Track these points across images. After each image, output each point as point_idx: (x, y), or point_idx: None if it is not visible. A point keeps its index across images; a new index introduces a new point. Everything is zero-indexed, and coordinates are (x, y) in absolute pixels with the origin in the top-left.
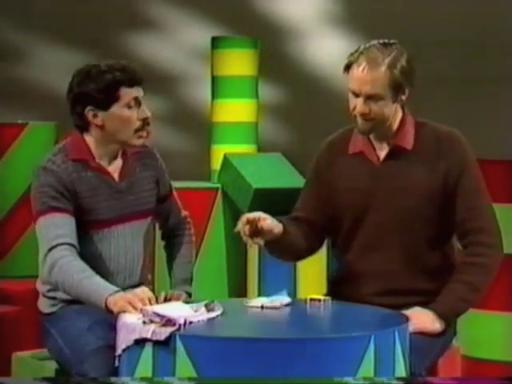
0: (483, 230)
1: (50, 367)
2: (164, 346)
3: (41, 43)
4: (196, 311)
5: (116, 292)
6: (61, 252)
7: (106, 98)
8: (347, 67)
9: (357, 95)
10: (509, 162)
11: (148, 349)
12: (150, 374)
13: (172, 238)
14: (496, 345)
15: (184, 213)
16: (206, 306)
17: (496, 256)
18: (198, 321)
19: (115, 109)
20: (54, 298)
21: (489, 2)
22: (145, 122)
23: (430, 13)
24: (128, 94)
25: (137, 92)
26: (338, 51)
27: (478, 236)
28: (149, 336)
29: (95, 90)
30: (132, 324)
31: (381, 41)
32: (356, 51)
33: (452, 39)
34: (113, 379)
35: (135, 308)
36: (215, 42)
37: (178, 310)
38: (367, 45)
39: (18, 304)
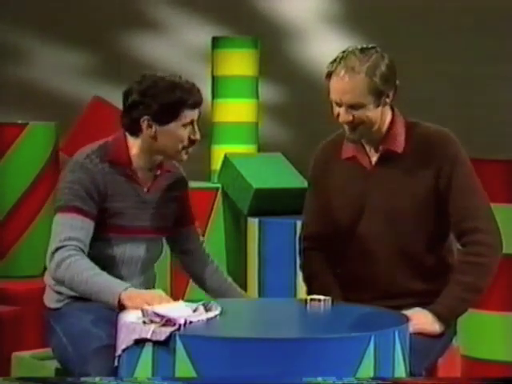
0: (480, 229)
1: (50, 367)
2: (164, 346)
3: (41, 43)
4: (195, 311)
5: (128, 288)
6: (69, 251)
7: (167, 115)
8: (327, 76)
9: (339, 104)
10: (509, 162)
11: (148, 349)
12: (149, 374)
13: (201, 267)
14: (496, 345)
15: (202, 238)
16: (204, 305)
17: (494, 255)
18: (198, 321)
19: (172, 126)
20: (60, 293)
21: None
22: (194, 142)
23: (430, 12)
24: (189, 115)
25: (195, 114)
26: (337, 51)
27: (476, 235)
28: (148, 336)
29: (158, 104)
30: (132, 324)
31: (359, 46)
32: (335, 60)
33: (452, 38)
34: (83, 379)
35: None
36: (215, 42)
37: (177, 311)
38: (346, 51)
39: (18, 304)
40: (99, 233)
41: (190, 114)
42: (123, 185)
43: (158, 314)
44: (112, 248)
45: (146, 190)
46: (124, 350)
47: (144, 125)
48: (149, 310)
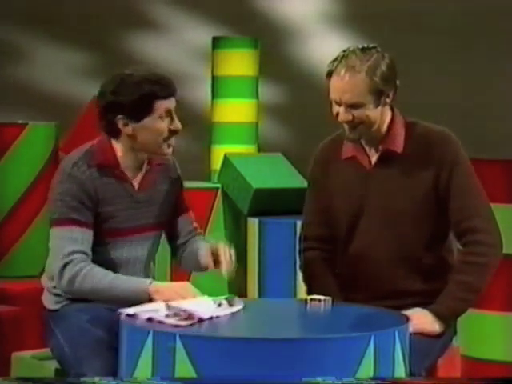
0: (480, 229)
1: (50, 367)
2: (164, 345)
3: (41, 43)
4: (219, 305)
5: (151, 282)
6: (79, 264)
7: (140, 110)
8: (328, 75)
9: (338, 104)
10: (509, 162)
11: (148, 349)
12: (149, 374)
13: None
14: (496, 345)
15: (198, 229)
16: (227, 300)
17: (494, 255)
18: (225, 315)
19: (148, 120)
20: (58, 295)
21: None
22: (174, 132)
23: (429, 12)
24: (162, 106)
25: (170, 103)
26: (337, 51)
27: (476, 235)
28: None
29: (129, 101)
30: (159, 318)
31: (360, 46)
32: (336, 59)
33: (452, 38)
34: (82, 379)
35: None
36: (216, 42)
37: (202, 306)
38: (346, 51)
39: (18, 304)
40: (96, 238)
41: (165, 105)
42: (114, 187)
43: (183, 310)
44: (111, 251)
45: (137, 188)
46: (130, 316)
47: (120, 124)
48: (174, 305)
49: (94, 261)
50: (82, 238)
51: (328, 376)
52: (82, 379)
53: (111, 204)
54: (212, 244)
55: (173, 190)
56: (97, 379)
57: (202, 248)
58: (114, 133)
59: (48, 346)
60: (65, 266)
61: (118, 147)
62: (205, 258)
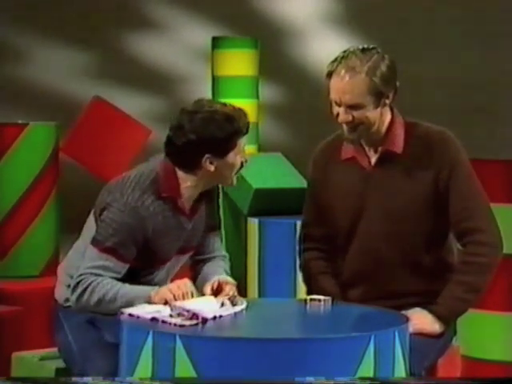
0: (480, 230)
1: (50, 367)
2: (164, 345)
3: (41, 43)
4: (222, 305)
5: (154, 288)
6: (90, 279)
7: (226, 147)
8: (328, 76)
9: (338, 104)
10: (509, 162)
11: (148, 349)
12: (149, 374)
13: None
14: (496, 345)
15: (224, 253)
16: (230, 300)
17: (494, 255)
18: (228, 315)
19: (230, 156)
20: None
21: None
22: (243, 165)
23: (429, 13)
24: (242, 141)
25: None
26: (337, 51)
27: (476, 235)
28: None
29: (218, 139)
30: (163, 317)
31: (360, 46)
32: (336, 59)
33: (452, 37)
34: (74, 379)
35: (175, 297)
36: (215, 42)
37: (206, 305)
38: (346, 51)
39: (18, 304)
40: (138, 264)
41: (243, 140)
42: (170, 220)
43: (187, 310)
44: (149, 275)
45: (188, 217)
46: (131, 316)
47: (206, 162)
48: (177, 305)
49: (128, 281)
50: (114, 269)
51: (326, 376)
52: (74, 379)
53: (163, 237)
54: (219, 278)
55: (211, 213)
56: (88, 379)
57: (211, 277)
58: (192, 169)
59: (54, 340)
60: (78, 282)
61: (187, 180)
62: (206, 288)
